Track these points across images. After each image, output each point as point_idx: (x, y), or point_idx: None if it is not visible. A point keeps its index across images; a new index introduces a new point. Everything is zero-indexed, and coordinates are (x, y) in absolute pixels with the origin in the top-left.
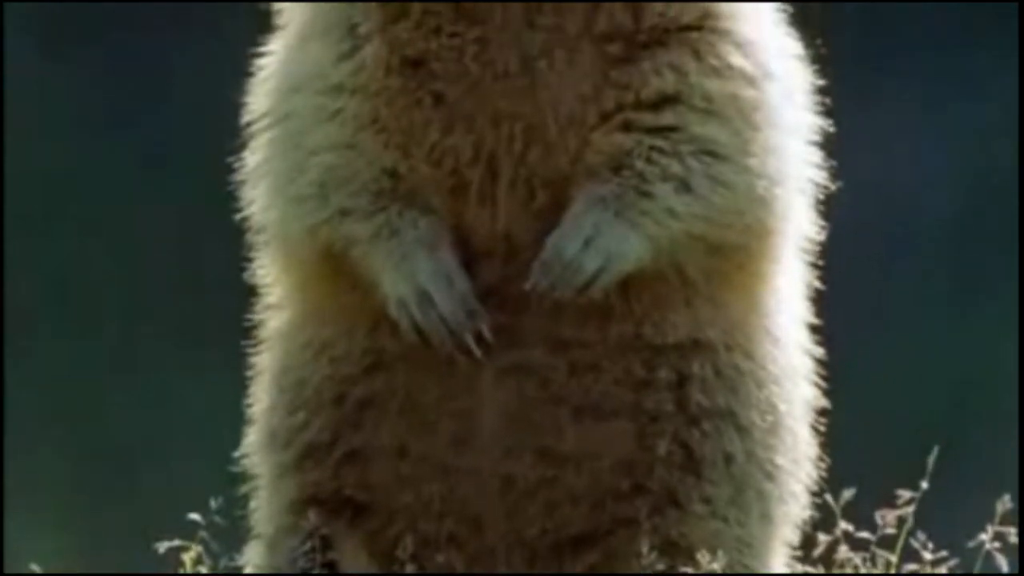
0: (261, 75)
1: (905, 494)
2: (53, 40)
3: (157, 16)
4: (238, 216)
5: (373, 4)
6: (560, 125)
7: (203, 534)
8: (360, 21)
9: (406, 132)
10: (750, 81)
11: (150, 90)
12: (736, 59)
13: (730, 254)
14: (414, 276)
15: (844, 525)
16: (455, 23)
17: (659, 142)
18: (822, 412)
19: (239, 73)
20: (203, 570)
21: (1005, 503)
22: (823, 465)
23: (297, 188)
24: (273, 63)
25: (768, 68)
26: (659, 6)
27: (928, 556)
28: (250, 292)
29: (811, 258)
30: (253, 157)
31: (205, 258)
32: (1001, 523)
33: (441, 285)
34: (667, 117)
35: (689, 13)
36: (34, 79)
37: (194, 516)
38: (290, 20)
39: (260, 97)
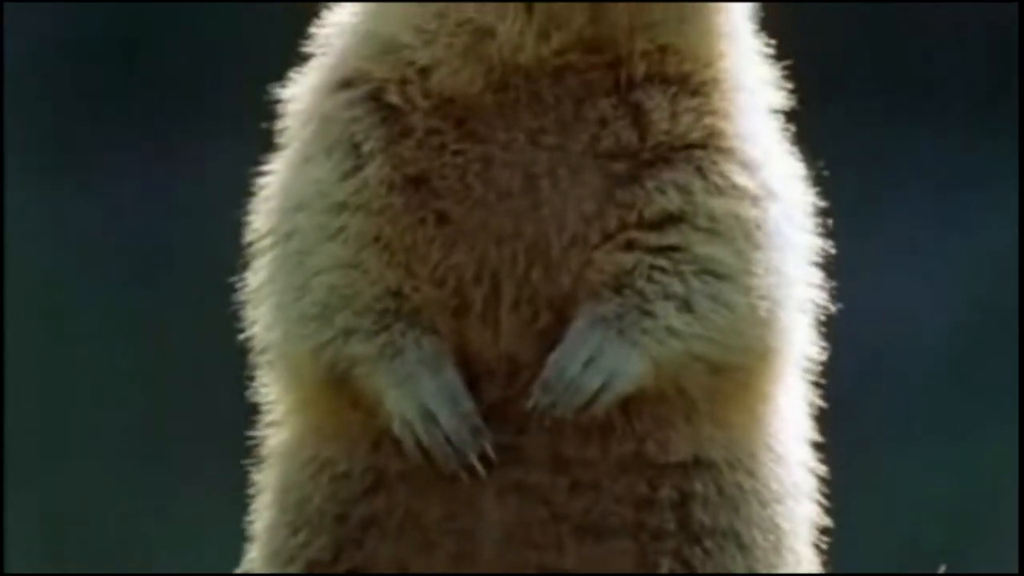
0: (263, 194)
1: None
2: (52, 159)
3: (157, 135)
4: (240, 335)
5: (376, 122)
6: (563, 244)
7: None
8: (363, 139)
9: (409, 251)
10: (753, 201)
11: (151, 210)
12: (740, 178)
13: (732, 374)
14: (418, 395)
15: None
16: (458, 141)
17: (661, 261)
18: (824, 530)
19: (240, 192)
20: None
21: None
22: None
23: (300, 308)
24: (275, 182)
25: (771, 188)
26: (664, 124)
27: None
28: (252, 410)
29: (813, 377)
30: (255, 276)
31: (207, 376)
32: None
33: (445, 404)
34: (670, 236)
35: (695, 132)
36: (34, 199)
37: None
38: (292, 139)
39: (262, 216)
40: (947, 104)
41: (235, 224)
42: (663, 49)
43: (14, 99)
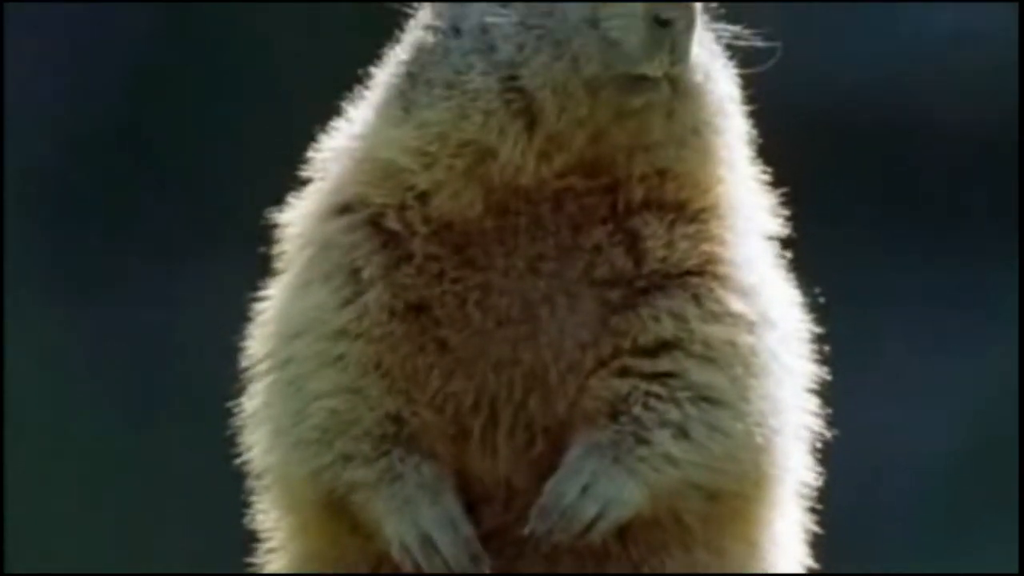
0: (260, 319)
1: None
2: (53, 287)
3: (156, 260)
4: (238, 460)
5: (375, 247)
6: (560, 372)
7: None
8: (362, 265)
9: (409, 378)
10: (749, 327)
11: (149, 335)
12: (736, 305)
13: (728, 500)
14: (417, 521)
15: None
16: (457, 268)
17: (657, 388)
18: None
19: (237, 318)
20: None
21: None
22: None
23: (299, 433)
24: (272, 307)
25: (767, 315)
26: (660, 251)
27: None
28: (251, 537)
29: (809, 503)
30: (252, 402)
31: (206, 502)
32: None
33: (444, 530)
34: (665, 363)
35: (691, 259)
36: (34, 326)
37: None
38: (289, 264)
39: (259, 342)
40: (944, 228)
41: (233, 348)
42: (662, 174)
43: (14, 224)
